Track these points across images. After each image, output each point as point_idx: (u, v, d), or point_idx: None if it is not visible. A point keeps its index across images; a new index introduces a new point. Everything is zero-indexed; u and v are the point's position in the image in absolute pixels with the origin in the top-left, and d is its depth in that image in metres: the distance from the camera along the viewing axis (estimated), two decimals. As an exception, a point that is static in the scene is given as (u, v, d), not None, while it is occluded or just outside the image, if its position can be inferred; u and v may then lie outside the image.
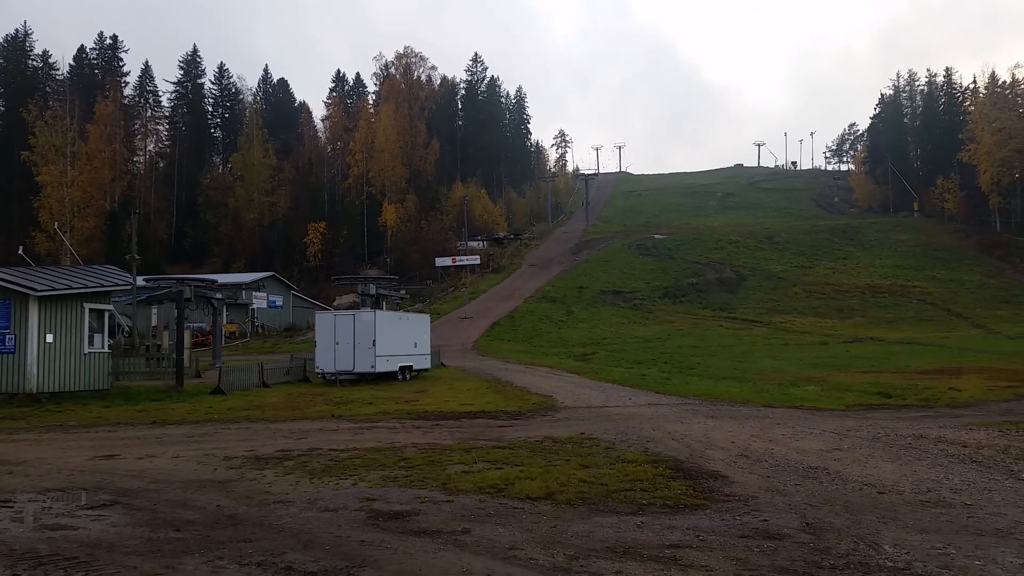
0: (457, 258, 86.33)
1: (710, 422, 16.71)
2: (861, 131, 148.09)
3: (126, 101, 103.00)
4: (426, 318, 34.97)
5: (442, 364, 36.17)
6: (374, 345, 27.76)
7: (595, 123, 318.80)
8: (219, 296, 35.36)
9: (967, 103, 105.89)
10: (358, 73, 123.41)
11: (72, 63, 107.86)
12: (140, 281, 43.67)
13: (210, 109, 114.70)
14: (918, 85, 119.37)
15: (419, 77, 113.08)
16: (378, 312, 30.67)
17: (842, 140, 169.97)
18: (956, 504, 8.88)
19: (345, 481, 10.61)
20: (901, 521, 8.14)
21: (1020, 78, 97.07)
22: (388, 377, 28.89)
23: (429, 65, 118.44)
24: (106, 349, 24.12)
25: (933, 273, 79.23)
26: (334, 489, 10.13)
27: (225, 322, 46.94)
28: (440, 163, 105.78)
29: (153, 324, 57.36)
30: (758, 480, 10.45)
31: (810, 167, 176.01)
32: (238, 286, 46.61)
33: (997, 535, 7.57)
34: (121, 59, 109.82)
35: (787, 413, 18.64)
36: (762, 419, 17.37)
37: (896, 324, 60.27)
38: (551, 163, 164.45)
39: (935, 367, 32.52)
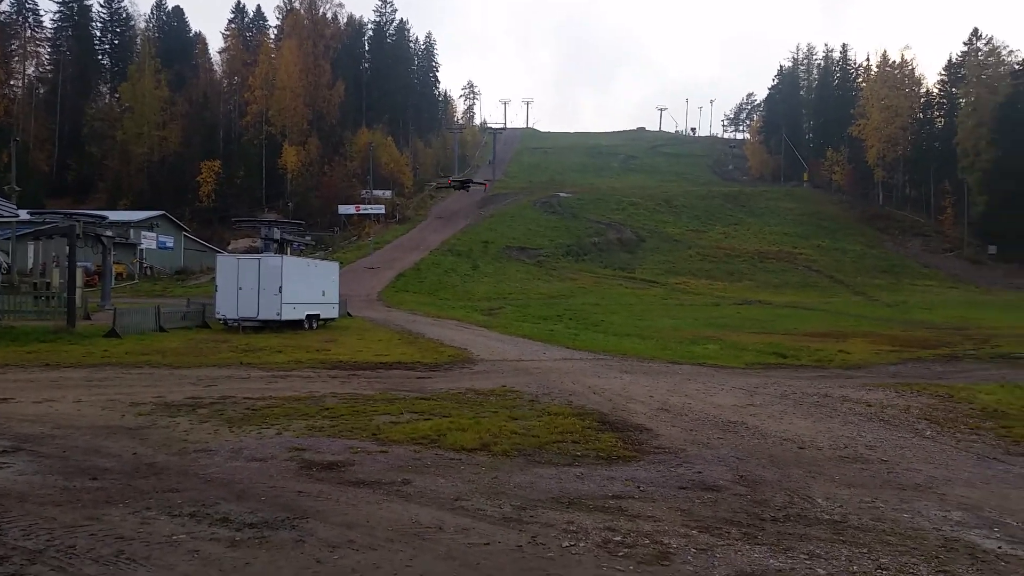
0: (362, 207, 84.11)
1: (625, 377, 17.05)
2: (758, 101, 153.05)
3: (1, 18, 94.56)
4: (335, 266, 34.09)
5: (348, 314, 35.46)
6: (280, 292, 26.79)
7: (504, 55, 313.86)
8: (109, 234, 33.38)
9: (860, 80, 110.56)
10: (259, 5, 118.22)
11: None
12: (22, 214, 40.74)
13: (98, 34, 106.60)
14: (815, 59, 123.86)
15: (324, 14, 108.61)
16: (286, 257, 29.60)
17: (740, 109, 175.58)
18: (873, 460, 9.35)
19: (268, 430, 10.24)
20: (827, 475, 8.50)
21: (909, 59, 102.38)
22: (294, 325, 28.05)
23: (336, 2, 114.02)
24: (-15, 286, 22.41)
25: (818, 241, 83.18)
26: (257, 438, 9.76)
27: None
28: (345, 106, 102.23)
29: (30, 261, 53.72)
30: (682, 433, 10.71)
31: (708, 134, 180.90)
32: (127, 224, 43.93)
33: (917, 489, 8.01)
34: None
35: (694, 369, 19.25)
36: (672, 375, 17.87)
37: (782, 288, 63.11)
38: (459, 114, 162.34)
39: (822, 331, 34.24)
